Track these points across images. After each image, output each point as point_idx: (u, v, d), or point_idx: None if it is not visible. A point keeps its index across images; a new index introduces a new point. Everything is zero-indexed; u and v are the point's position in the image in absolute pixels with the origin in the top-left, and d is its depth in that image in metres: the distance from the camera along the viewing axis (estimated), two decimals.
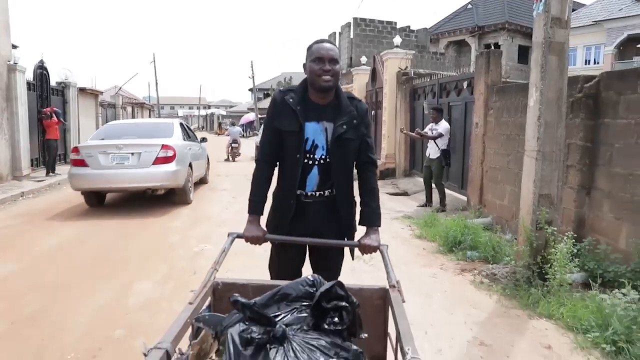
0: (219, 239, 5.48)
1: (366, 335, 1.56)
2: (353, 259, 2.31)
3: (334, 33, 25.15)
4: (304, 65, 2.20)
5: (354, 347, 1.41)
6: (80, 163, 7.66)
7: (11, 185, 10.12)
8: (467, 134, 8.01)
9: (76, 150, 7.91)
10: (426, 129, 8.17)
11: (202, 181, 10.76)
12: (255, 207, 2.25)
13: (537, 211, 4.20)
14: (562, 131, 4.28)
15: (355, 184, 2.32)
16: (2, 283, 4.39)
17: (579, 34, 25.61)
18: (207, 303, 1.80)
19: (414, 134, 8.67)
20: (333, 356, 1.34)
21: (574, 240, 4.02)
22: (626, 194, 4.29)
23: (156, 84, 43.01)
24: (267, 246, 2.36)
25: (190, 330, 1.59)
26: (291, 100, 2.16)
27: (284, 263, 2.34)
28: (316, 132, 2.17)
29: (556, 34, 4.13)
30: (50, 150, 12.06)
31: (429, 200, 8.11)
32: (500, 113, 6.76)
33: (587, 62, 26.17)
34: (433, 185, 8.00)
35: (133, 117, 26.95)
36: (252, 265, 4.12)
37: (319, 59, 2.10)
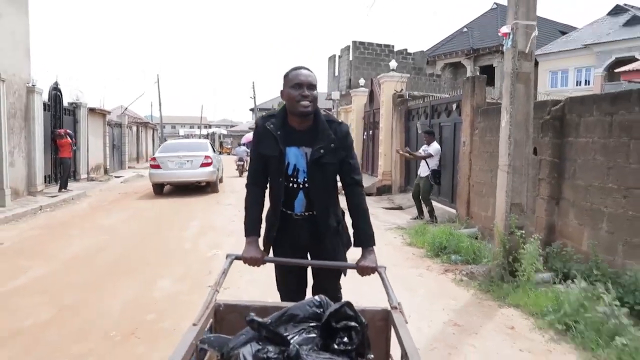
0: (228, 246, 6.10)
1: (372, 356, 1.59)
2: (345, 275, 2.37)
3: (334, 55, 26.12)
4: (282, 92, 2.24)
5: None
6: (157, 167, 12.38)
7: (27, 200, 10.71)
8: (456, 152, 8.68)
9: (154, 159, 12.67)
10: (420, 151, 8.89)
11: (220, 180, 14.52)
12: (252, 229, 2.29)
13: (509, 218, 4.83)
14: (530, 148, 4.94)
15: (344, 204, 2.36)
16: (39, 281, 4.98)
17: (570, 56, 26.53)
18: (208, 325, 1.79)
19: (406, 154, 9.41)
20: None
21: (539, 244, 4.64)
22: (587, 202, 4.93)
23: (159, 104, 43.96)
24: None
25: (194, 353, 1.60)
26: (272, 126, 2.21)
27: (287, 281, 2.40)
28: (297, 157, 2.22)
29: (522, 66, 4.81)
30: (64, 168, 12.79)
31: (420, 213, 8.72)
32: (484, 133, 7.43)
33: (578, 83, 27.01)
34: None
35: (138, 136, 27.72)
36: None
37: (298, 85, 2.14)
